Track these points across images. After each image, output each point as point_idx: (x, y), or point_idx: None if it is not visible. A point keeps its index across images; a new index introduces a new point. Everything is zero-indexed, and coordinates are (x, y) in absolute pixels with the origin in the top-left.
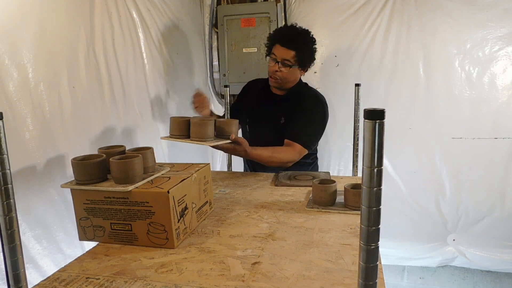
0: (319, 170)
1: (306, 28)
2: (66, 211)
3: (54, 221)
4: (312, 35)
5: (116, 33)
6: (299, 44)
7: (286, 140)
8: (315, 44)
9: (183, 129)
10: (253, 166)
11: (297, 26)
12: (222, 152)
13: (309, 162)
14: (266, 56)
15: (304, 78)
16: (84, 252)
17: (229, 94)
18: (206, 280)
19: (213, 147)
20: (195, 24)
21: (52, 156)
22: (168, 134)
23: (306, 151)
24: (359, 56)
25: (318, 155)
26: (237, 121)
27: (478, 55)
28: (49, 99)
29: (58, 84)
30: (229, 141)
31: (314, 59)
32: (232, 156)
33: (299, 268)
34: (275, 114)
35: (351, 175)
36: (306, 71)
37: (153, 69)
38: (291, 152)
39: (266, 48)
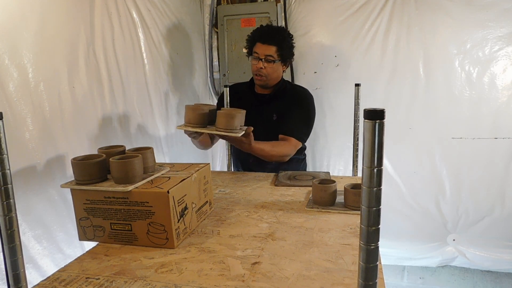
0: (309, 167)
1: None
2: (66, 211)
3: (54, 221)
4: (289, 31)
5: (116, 33)
6: (279, 39)
7: (280, 136)
8: (293, 40)
9: (203, 120)
10: (246, 166)
11: (272, 25)
12: (221, 152)
13: (302, 158)
14: (248, 57)
15: (305, 78)
16: (84, 252)
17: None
18: (206, 280)
19: (223, 137)
20: (195, 24)
21: (52, 156)
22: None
23: (300, 144)
24: (359, 56)
25: (318, 155)
26: (245, 111)
27: (478, 55)
28: (49, 99)
29: (58, 84)
30: (243, 132)
31: (293, 54)
32: (232, 156)
33: (299, 268)
34: (267, 112)
35: (351, 175)
36: (287, 66)
37: (153, 69)
38: (288, 145)
39: (246, 50)
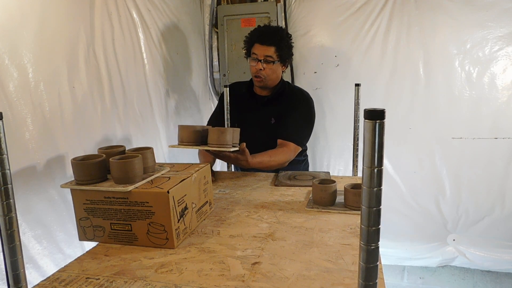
0: (309, 167)
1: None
2: (66, 211)
3: (54, 221)
4: (287, 31)
5: (116, 33)
6: (277, 39)
7: (279, 140)
8: (291, 39)
9: (196, 138)
10: (246, 169)
11: (270, 25)
12: None
13: (302, 159)
14: (247, 58)
15: (305, 78)
16: (84, 252)
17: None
18: (206, 280)
19: (217, 155)
20: (195, 24)
21: (52, 156)
22: (175, 142)
23: (300, 149)
24: (359, 56)
25: (319, 154)
26: (239, 129)
27: (478, 55)
28: (49, 99)
29: (58, 84)
30: (236, 148)
31: (292, 54)
32: None
33: (299, 268)
34: (264, 115)
35: (351, 175)
36: (287, 67)
37: (153, 69)
38: (287, 152)
39: (244, 51)
